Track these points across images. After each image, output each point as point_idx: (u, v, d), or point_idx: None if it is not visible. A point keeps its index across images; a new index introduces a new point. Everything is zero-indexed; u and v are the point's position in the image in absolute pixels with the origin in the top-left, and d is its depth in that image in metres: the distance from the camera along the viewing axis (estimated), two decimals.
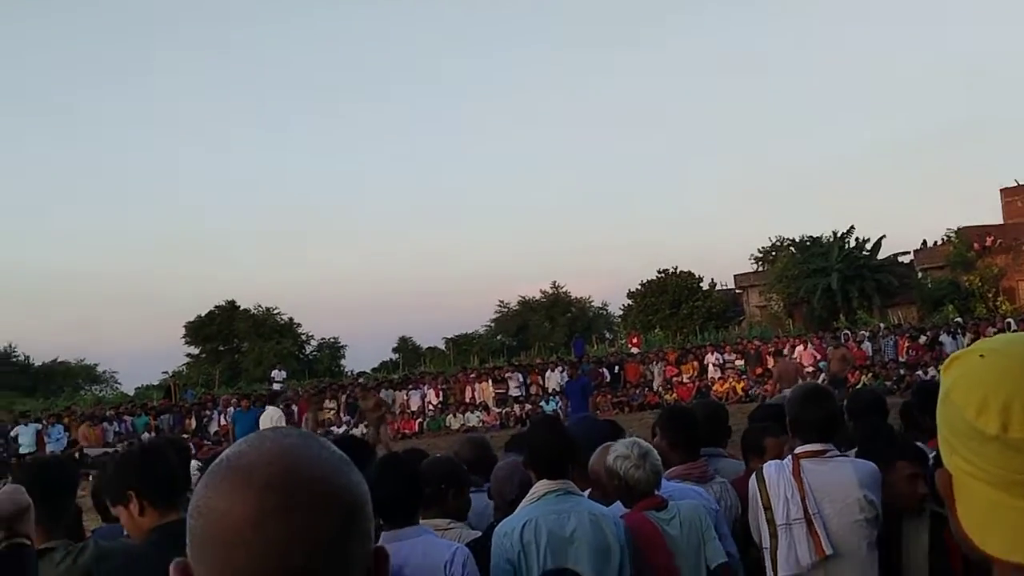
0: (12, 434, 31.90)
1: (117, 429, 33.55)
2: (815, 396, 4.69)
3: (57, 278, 73.40)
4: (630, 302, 57.56)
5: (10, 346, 55.31)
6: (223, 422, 33.99)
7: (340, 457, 1.21)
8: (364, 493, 1.21)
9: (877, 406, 5.97)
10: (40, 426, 31.28)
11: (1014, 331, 30.41)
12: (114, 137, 79.09)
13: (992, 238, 48.94)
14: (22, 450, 30.44)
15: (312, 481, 1.15)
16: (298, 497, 1.13)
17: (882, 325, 39.22)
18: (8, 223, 74.71)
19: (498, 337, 59.14)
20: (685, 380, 35.44)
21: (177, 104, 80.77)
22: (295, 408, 34.04)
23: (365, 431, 24.51)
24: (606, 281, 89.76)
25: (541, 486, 4.28)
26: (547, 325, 57.16)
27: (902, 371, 31.76)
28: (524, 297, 61.24)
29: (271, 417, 18.53)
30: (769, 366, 34.97)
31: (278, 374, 39.54)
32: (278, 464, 1.15)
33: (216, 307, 56.55)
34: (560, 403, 33.91)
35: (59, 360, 55.82)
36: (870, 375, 31.82)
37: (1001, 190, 54.25)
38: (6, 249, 73.90)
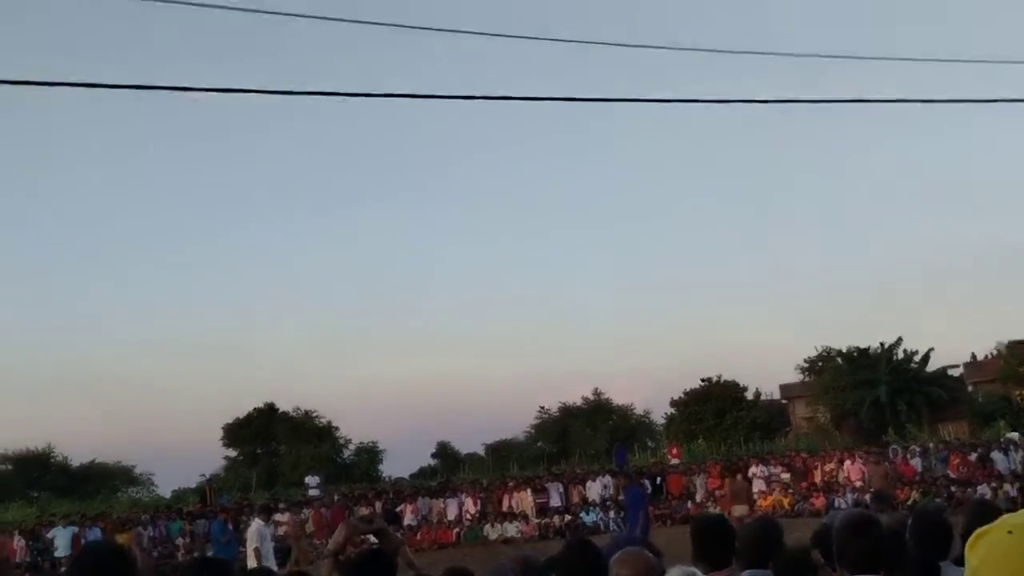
0: (48, 535, 31.72)
1: (151, 534, 33.18)
2: (862, 525, 4.40)
3: (95, 379, 73.75)
4: (673, 411, 56.88)
5: (48, 447, 55.37)
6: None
7: None
8: None
9: (941, 531, 5.49)
10: (76, 529, 31.00)
11: None
12: (148, 237, 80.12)
13: None
14: (58, 553, 30.20)
15: None
16: None
17: (932, 441, 38.34)
18: (47, 324, 75.45)
19: (538, 444, 58.49)
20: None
21: (211, 203, 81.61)
22: (328, 513, 33.75)
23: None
24: (649, 389, 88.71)
25: None
26: (588, 432, 56.34)
27: (953, 488, 30.84)
28: (565, 403, 60.60)
29: (257, 532, 18.26)
30: (815, 480, 34.33)
31: (312, 479, 39.17)
32: None
33: (255, 409, 56.33)
34: (601, 514, 33.36)
35: (96, 461, 55.37)
36: (920, 491, 30.95)
37: None
38: (45, 349, 74.53)
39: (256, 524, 18.94)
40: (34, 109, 69.52)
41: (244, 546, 20.24)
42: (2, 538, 31.04)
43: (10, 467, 53.85)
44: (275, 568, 16.81)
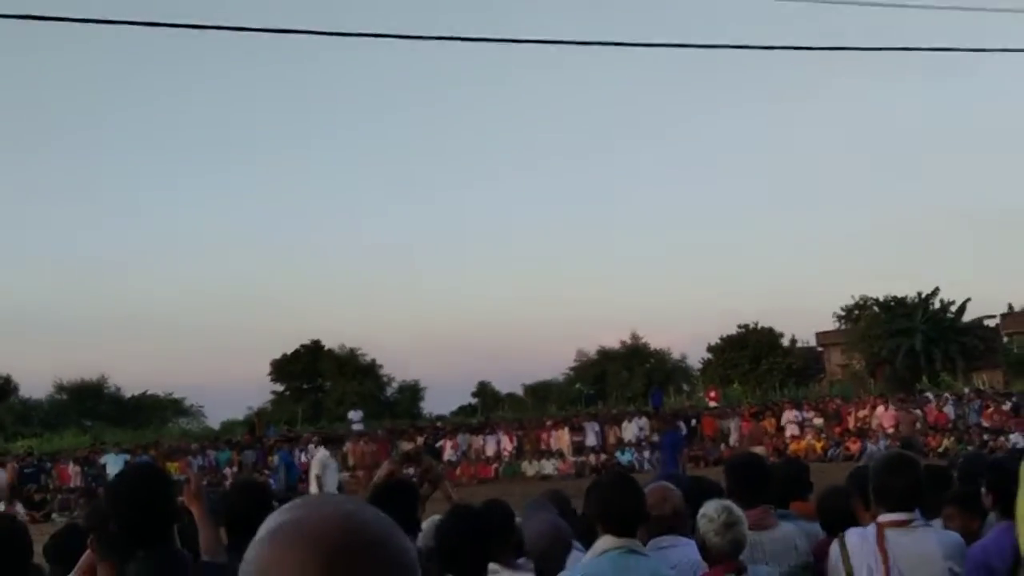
0: (101, 462, 32.82)
1: (200, 463, 34.18)
2: (900, 464, 4.58)
3: (149, 312, 74.83)
4: (709, 356, 57.26)
5: (102, 377, 56.43)
6: (304, 460, 34.57)
7: (392, 523, 1.31)
8: (415, 557, 1.33)
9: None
10: (128, 456, 32.04)
11: None
12: (208, 173, 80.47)
13: None
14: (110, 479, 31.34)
15: (375, 545, 1.26)
16: (364, 560, 1.24)
17: (966, 389, 38.67)
18: (100, 259, 76.32)
19: (576, 386, 59.09)
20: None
21: (270, 144, 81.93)
22: (375, 447, 34.46)
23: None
24: (686, 333, 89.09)
25: (605, 542, 4.27)
26: (625, 375, 56.88)
27: (986, 436, 31.22)
28: (603, 346, 60.98)
29: (320, 461, 18.76)
30: (849, 426, 34.78)
31: (354, 415, 39.83)
32: (343, 529, 1.25)
33: (302, 345, 57.14)
34: (636, 454, 34.00)
35: (148, 392, 56.37)
36: (953, 439, 31.36)
37: None
38: (99, 282, 75.51)
39: (321, 453, 19.45)
40: None
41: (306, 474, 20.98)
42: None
43: (65, 396, 54.91)
44: None
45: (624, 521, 4.30)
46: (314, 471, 18.98)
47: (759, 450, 22.25)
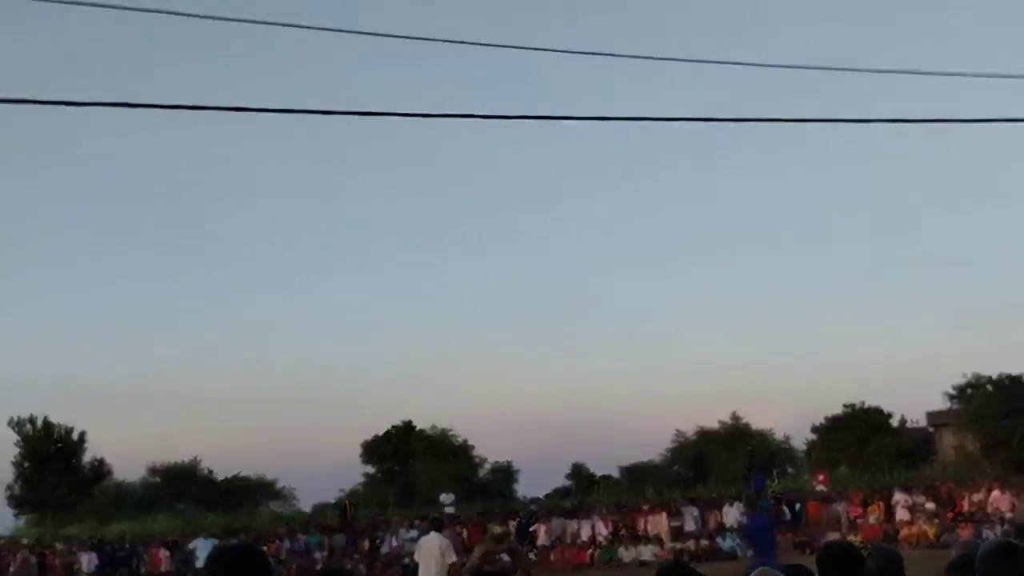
0: (191, 547, 32.88)
1: (291, 547, 34.03)
2: (1008, 552, 4.26)
3: (241, 394, 75.81)
4: (814, 436, 55.62)
5: (195, 460, 56.92)
6: (394, 543, 34.15)
7: None
8: None
9: None
10: (217, 541, 32.05)
11: None
12: (296, 262, 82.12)
13: None
14: (199, 564, 31.35)
15: None
16: None
17: None
18: (192, 344, 78.03)
19: (674, 468, 57.76)
20: (871, 521, 33.78)
21: (356, 232, 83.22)
22: (465, 532, 33.87)
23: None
24: (789, 414, 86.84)
25: None
26: (726, 457, 55.42)
27: None
28: (702, 427, 59.64)
29: (438, 545, 17.76)
30: (963, 510, 33.24)
31: (446, 497, 39.21)
32: None
33: (393, 427, 56.86)
34: (737, 540, 32.78)
35: (240, 475, 56.33)
36: None
37: None
38: (192, 367, 76.95)
39: (442, 540, 18.00)
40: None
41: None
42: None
43: (159, 479, 55.54)
44: None
45: None
46: (448, 558, 17.46)
47: (834, 536, 21.17)
